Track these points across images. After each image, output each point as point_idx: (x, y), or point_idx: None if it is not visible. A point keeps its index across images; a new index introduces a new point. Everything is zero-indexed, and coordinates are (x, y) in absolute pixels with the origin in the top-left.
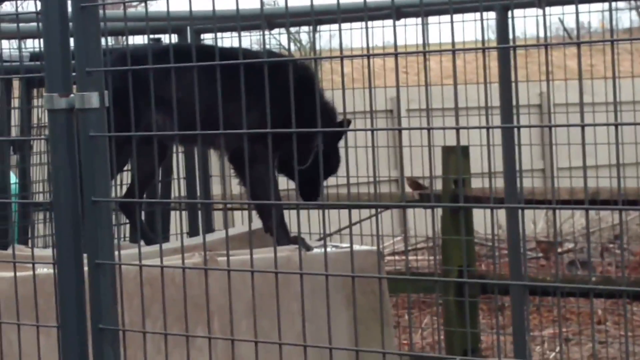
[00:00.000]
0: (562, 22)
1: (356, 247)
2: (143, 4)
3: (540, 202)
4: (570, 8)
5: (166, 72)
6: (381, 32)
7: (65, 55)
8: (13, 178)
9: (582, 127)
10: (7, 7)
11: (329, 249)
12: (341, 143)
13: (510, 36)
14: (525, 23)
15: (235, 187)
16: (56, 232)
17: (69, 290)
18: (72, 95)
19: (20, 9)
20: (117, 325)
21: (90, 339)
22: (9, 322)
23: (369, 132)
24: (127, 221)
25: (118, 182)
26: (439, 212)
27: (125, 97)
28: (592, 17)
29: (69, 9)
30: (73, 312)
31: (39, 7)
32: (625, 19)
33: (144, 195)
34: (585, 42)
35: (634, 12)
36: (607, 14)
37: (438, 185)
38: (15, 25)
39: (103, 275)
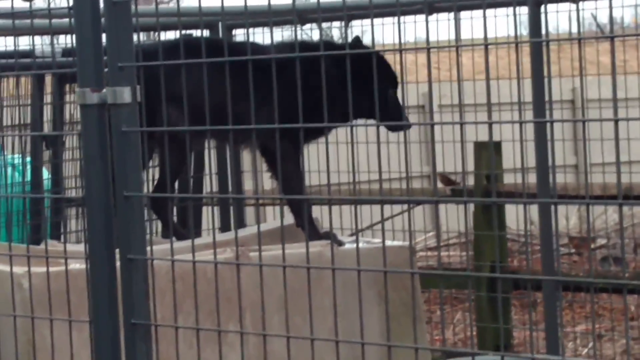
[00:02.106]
0: (594, 17)
1: (388, 242)
2: (175, 1)
3: (573, 197)
4: (603, 3)
5: (190, 68)
6: (413, 28)
7: (97, 51)
8: (45, 174)
9: (616, 121)
10: (40, 3)
11: (360, 245)
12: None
13: (543, 31)
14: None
15: (267, 182)
16: (88, 228)
17: (102, 286)
18: (104, 90)
19: (52, 5)
20: (150, 320)
21: (123, 334)
22: (42, 317)
23: None
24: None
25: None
26: (470, 207)
27: (149, 93)
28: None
29: (101, 4)
30: (105, 307)
31: (71, 3)
32: None
33: (174, 191)
34: (617, 35)
35: None
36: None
37: (470, 181)
38: (47, 21)
39: (135, 271)
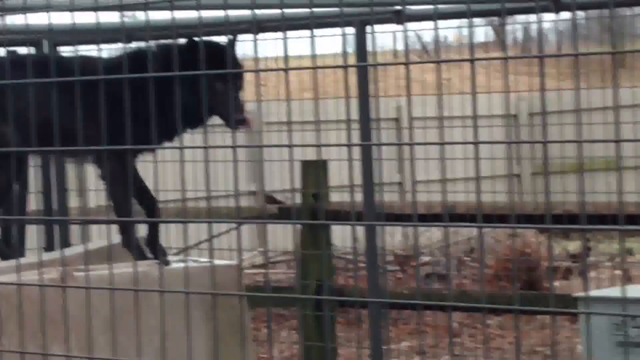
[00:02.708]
0: (419, 37)
1: (216, 261)
2: None
3: (398, 216)
4: (428, 24)
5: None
6: (242, 45)
7: None
8: None
9: (441, 144)
10: None
11: (189, 264)
12: (199, 156)
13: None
14: (383, 36)
15: (92, 200)
16: None
17: None
18: None
19: None
20: None
21: None
22: None
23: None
24: None
25: None
26: (297, 226)
27: None
28: (448, 31)
29: None
30: None
31: None
32: (479, 33)
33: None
34: (445, 60)
35: (488, 27)
36: (462, 29)
37: (297, 199)
38: None
39: None
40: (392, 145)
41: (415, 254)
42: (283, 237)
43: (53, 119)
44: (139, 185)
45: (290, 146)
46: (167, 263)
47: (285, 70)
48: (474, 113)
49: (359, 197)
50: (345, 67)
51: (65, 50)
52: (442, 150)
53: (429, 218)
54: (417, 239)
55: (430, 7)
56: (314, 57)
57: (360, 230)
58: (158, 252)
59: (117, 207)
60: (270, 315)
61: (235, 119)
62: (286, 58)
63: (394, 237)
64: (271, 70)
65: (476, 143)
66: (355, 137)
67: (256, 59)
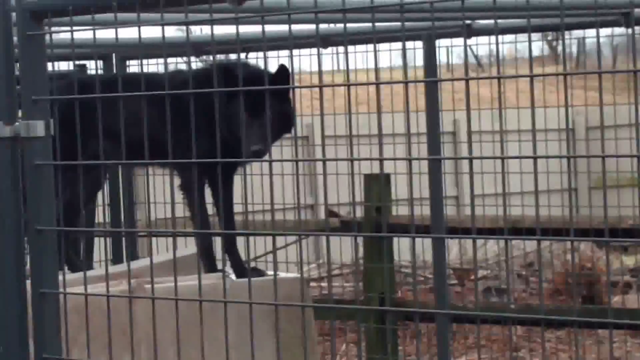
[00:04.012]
0: (473, 52)
1: (281, 274)
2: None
3: (454, 229)
4: (483, 39)
5: (111, 101)
6: (308, 60)
7: (9, 83)
8: None
9: (502, 159)
10: None
11: (254, 277)
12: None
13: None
14: (450, 52)
15: (160, 212)
16: None
17: (12, 319)
18: (17, 123)
19: None
20: (61, 354)
21: None
22: None
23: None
24: None
25: None
26: (359, 239)
27: (69, 125)
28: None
29: (15, 36)
30: (16, 341)
31: None
32: (534, 46)
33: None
34: (506, 76)
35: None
36: (518, 44)
37: (359, 212)
38: None
39: (47, 305)
40: (457, 159)
41: (475, 267)
42: (342, 251)
43: (143, 132)
44: (219, 198)
45: (352, 160)
46: (261, 274)
47: (348, 85)
48: (532, 127)
49: (417, 210)
50: (406, 82)
51: (133, 64)
52: (503, 164)
53: (485, 232)
54: (476, 252)
55: (491, 22)
56: (377, 75)
57: (419, 244)
58: (244, 266)
59: (192, 218)
60: (334, 327)
61: (251, 150)
62: (347, 72)
63: (450, 251)
64: (336, 85)
65: (535, 157)
66: (415, 151)
67: (320, 74)
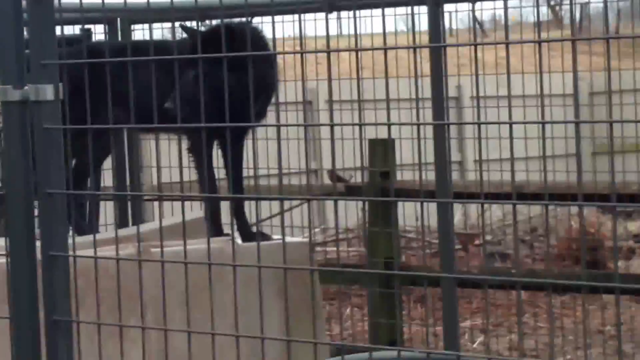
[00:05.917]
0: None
1: (288, 238)
2: None
3: (458, 194)
4: (487, 4)
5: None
6: (313, 25)
7: (19, 47)
8: None
9: (510, 124)
10: None
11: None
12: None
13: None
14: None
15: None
16: (9, 224)
17: (22, 282)
18: (26, 87)
19: None
20: (71, 317)
21: (43, 331)
22: None
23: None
24: None
25: None
26: (360, 204)
27: (79, 93)
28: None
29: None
30: (26, 303)
31: None
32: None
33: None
34: (513, 42)
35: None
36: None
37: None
38: None
39: (57, 268)
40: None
41: (483, 231)
42: (346, 216)
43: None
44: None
45: (360, 125)
46: (267, 238)
47: (357, 50)
48: (540, 93)
49: (423, 175)
50: (415, 47)
51: (139, 28)
52: (511, 129)
53: (490, 197)
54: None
55: None
56: (385, 40)
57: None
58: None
59: (202, 179)
60: (341, 291)
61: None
62: (356, 37)
63: (454, 216)
64: (344, 50)
65: (543, 123)
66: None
67: (327, 39)
